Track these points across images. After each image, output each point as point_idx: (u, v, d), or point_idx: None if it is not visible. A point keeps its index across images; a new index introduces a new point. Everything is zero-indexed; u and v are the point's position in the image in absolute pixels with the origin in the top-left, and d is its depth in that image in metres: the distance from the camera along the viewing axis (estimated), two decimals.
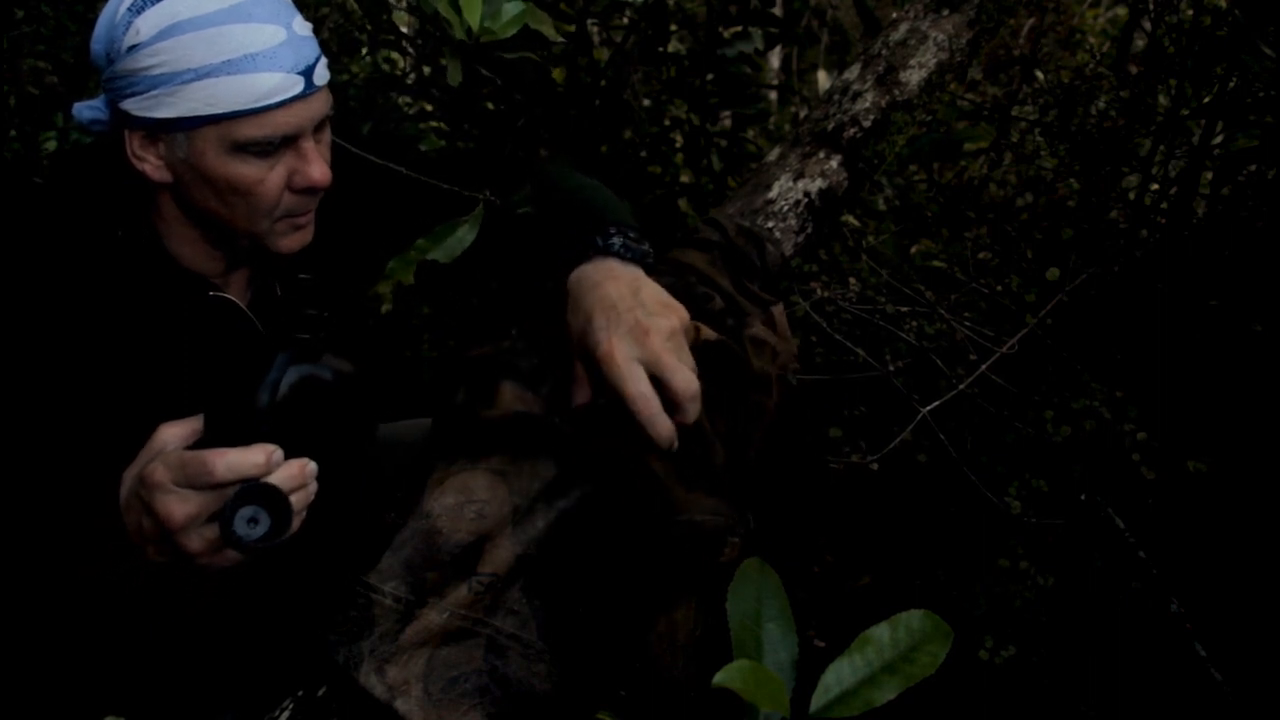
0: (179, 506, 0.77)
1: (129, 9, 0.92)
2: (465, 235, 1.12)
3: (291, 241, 1.05)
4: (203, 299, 1.05)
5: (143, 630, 1.04)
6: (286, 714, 0.94)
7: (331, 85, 1.04)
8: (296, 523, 0.79)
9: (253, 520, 0.75)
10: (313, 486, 0.82)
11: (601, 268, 1.01)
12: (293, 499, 0.78)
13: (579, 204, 1.12)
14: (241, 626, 1.11)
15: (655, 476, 0.98)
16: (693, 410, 0.91)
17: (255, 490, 0.75)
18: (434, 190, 1.18)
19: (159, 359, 1.02)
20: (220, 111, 0.92)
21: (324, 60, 1.00)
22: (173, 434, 0.82)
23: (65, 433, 0.96)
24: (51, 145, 2.25)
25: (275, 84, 0.93)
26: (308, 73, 0.96)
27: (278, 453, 0.78)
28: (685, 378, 0.90)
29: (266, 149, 0.96)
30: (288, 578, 1.12)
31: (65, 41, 2.36)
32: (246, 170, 0.96)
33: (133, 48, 0.91)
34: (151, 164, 0.97)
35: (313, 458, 0.81)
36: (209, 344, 1.05)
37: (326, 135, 1.04)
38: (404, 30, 2.34)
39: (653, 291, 0.99)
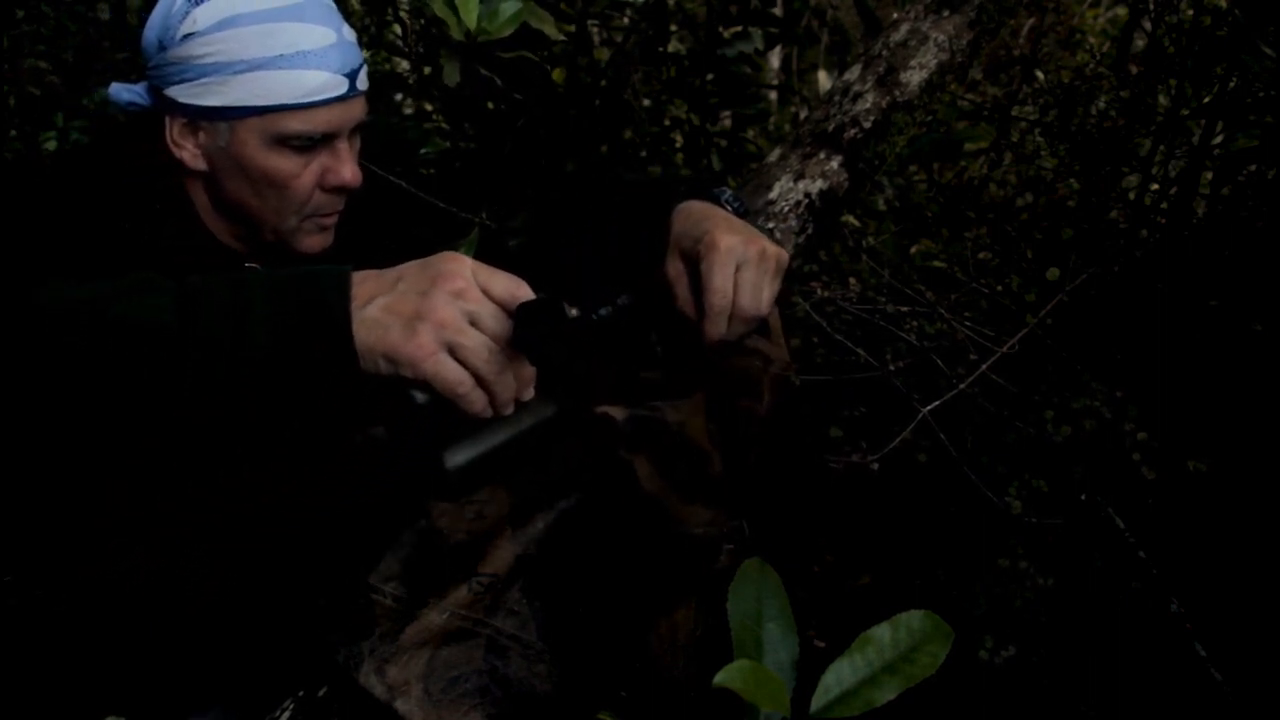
0: (463, 280, 0.76)
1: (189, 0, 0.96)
2: None
3: (314, 241, 1.08)
4: (239, 268, 1.08)
5: (142, 627, 1.04)
6: (287, 714, 0.95)
7: None
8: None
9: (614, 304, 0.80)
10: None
11: (712, 206, 1.08)
12: None
13: (665, 180, 1.17)
14: (242, 626, 1.11)
15: (648, 492, 0.98)
16: (736, 328, 1.00)
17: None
18: (434, 207, 1.21)
19: None
20: (267, 103, 0.97)
21: (366, 68, 1.04)
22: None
23: None
24: (51, 145, 2.25)
25: (322, 82, 0.97)
26: (353, 76, 1.01)
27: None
28: (766, 298, 0.99)
29: (306, 144, 1.00)
30: (288, 577, 1.12)
31: (65, 41, 2.36)
32: (284, 164, 1.00)
33: (188, 36, 0.95)
34: (189, 151, 1.01)
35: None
36: None
37: (358, 141, 1.08)
38: (405, 30, 2.34)
39: (753, 230, 1.06)
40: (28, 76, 2.25)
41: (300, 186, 1.02)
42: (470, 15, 1.19)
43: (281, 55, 0.96)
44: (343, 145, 1.04)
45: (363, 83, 1.03)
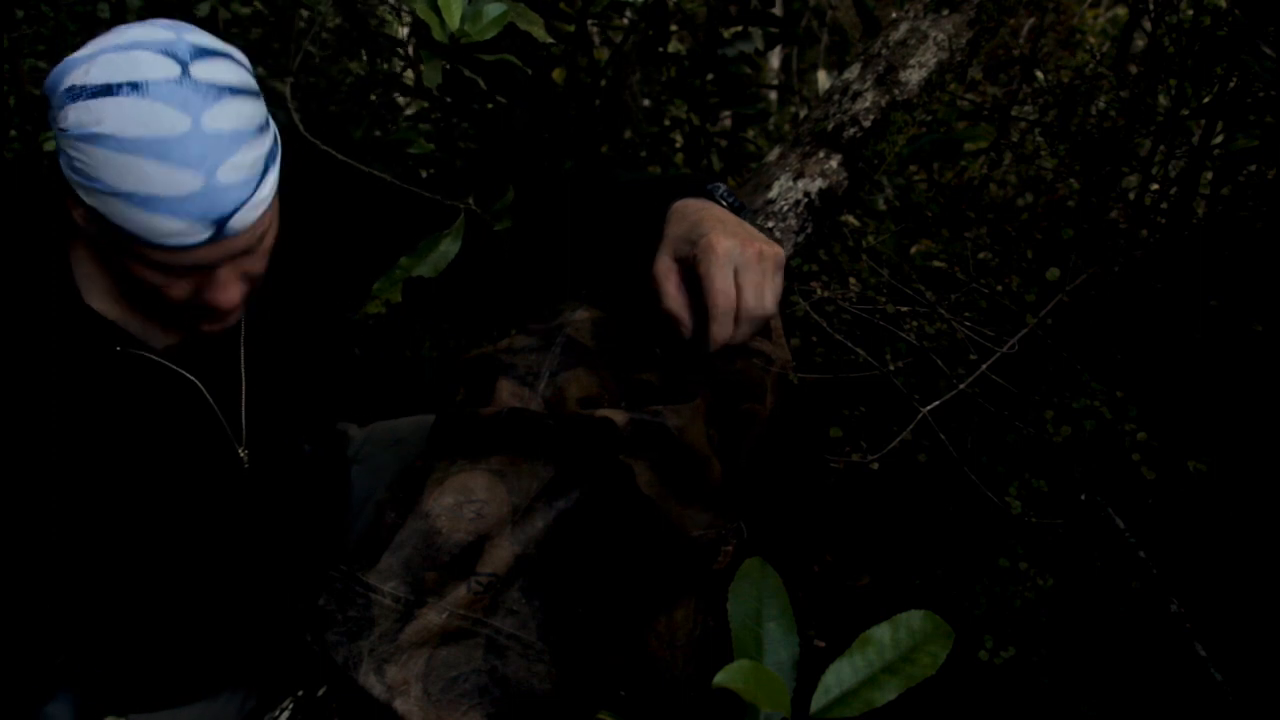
0: None
1: (67, 91, 0.85)
2: (449, 248, 1.13)
3: (210, 328, 0.99)
4: (110, 353, 0.98)
5: (142, 626, 1.04)
6: (286, 714, 0.94)
7: (331, 82, 1.02)
8: None
9: None
10: None
11: (708, 203, 1.06)
12: None
13: (661, 178, 1.14)
14: (242, 625, 1.11)
15: (646, 496, 0.98)
16: (743, 330, 1.00)
17: None
18: (418, 197, 1.17)
19: (77, 417, 0.97)
20: (125, 229, 0.86)
21: (256, 199, 0.90)
22: None
23: None
24: (51, 145, 2.24)
25: (176, 229, 0.86)
26: (221, 221, 0.87)
27: None
28: (769, 298, 0.98)
29: (170, 270, 0.90)
30: (282, 576, 1.12)
31: (65, 41, 2.36)
32: (150, 275, 0.91)
33: (62, 130, 0.85)
34: (79, 213, 0.91)
35: None
36: (124, 398, 0.99)
37: (265, 245, 0.96)
38: (401, 31, 2.34)
39: (758, 230, 1.04)
40: (28, 76, 2.25)
41: (170, 296, 0.93)
42: (453, 17, 1.17)
43: (132, 194, 0.84)
44: (221, 272, 0.93)
45: (243, 221, 0.89)
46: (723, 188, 1.09)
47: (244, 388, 1.08)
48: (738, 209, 1.08)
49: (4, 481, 0.93)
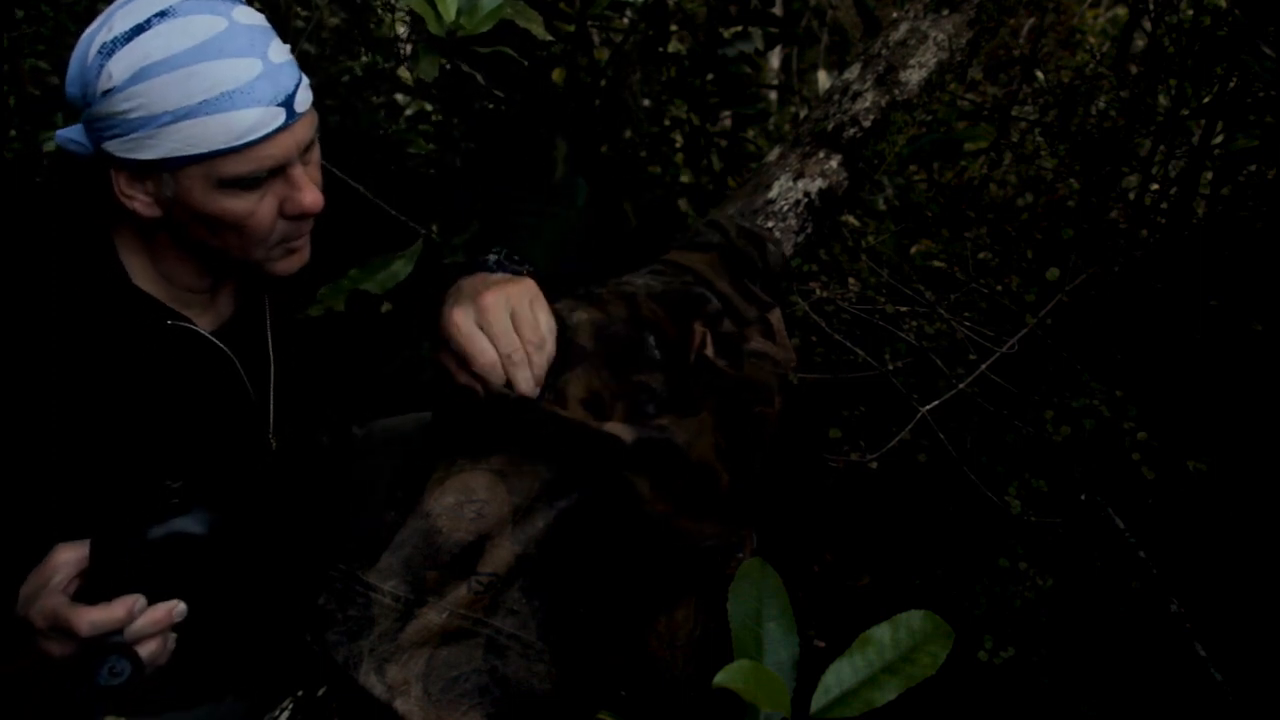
0: (56, 646, 0.86)
1: (100, 52, 0.90)
2: (400, 269, 1.14)
3: (288, 265, 1.05)
4: (160, 327, 1.03)
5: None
6: (286, 714, 0.94)
7: (331, 81, 1.03)
8: (162, 658, 0.89)
9: (114, 670, 0.84)
10: (172, 637, 0.90)
11: (473, 276, 1.09)
12: (152, 644, 0.88)
13: (491, 240, 1.17)
14: (242, 624, 1.11)
15: (654, 512, 0.97)
16: (525, 368, 1.01)
17: (114, 644, 0.85)
18: (383, 212, 1.19)
19: (121, 388, 1.01)
20: (202, 151, 0.91)
21: (305, 82, 0.98)
22: (65, 559, 0.87)
23: (29, 457, 0.96)
24: (51, 145, 2.24)
25: (255, 119, 0.92)
26: (288, 102, 0.94)
27: (140, 602, 0.86)
28: (502, 330, 1.00)
29: (253, 183, 0.95)
30: (282, 577, 1.12)
31: (65, 41, 2.36)
32: (236, 204, 0.96)
33: (107, 92, 0.90)
34: (141, 201, 0.96)
35: (187, 598, 0.90)
36: (171, 372, 1.04)
37: (315, 154, 1.02)
38: (400, 30, 2.34)
39: (501, 276, 1.08)
40: (28, 76, 2.25)
41: (258, 223, 0.98)
42: (449, 10, 1.16)
43: (205, 100, 0.89)
44: (295, 171, 0.98)
45: (302, 103, 0.96)
46: (492, 257, 1.12)
47: (272, 375, 1.14)
48: (508, 270, 1.11)
49: (47, 447, 0.97)
